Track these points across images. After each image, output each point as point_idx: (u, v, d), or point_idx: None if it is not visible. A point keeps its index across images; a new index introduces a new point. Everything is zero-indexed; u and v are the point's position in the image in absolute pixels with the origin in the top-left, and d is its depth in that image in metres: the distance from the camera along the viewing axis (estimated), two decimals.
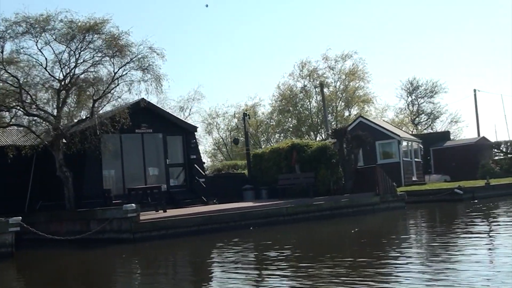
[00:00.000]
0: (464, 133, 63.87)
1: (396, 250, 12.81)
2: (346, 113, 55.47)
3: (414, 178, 35.53)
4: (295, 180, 25.58)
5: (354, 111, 55.61)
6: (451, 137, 57.62)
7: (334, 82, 55.16)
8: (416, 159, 36.69)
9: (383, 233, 17.89)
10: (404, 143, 35.00)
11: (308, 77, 54.27)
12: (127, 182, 23.91)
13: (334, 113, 54.68)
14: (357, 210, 23.51)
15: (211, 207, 22.49)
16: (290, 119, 53.63)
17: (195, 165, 25.68)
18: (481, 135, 48.41)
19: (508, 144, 40.79)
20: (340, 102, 54.64)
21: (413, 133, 56.51)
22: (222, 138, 62.33)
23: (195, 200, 24.94)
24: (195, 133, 27.01)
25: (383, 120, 45.59)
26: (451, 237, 14.80)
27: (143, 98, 24.07)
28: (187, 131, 26.21)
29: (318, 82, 52.91)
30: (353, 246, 14.50)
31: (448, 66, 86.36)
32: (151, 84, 22.11)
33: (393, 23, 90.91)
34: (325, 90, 54.58)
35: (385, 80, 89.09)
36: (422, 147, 40.14)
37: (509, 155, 40.77)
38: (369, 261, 11.01)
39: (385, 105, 61.01)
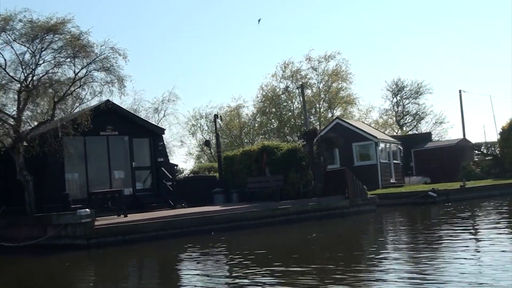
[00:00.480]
0: (450, 134, 63.57)
1: (356, 255, 12.39)
2: (330, 115, 55.02)
3: (392, 180, 35.16)
4: (264, 183, 25.13)
5: (338, 112, 55.20)
6: (436, 138, 57.54)
7: (318, 83, 54.81)
8: (395, 161, 36.32)
9: (345, 238, 17.43)
10: (382, 145, 34.61)
11: (291, 78, 53.83)
12: (91, 186, 23.40)
13: (317, 115, 54.25)
14: (325, 214, 23.05)
15: (177, 211, 22.00)
16: (272, 120, 53.12)
17: (162, 168, 25.16)
18: (462, 136, 48.07)
19: (489, 145, 40.39)
20: (323, 103, 54.19)
21: (398, 134, 56.27)
22: (206, 139, 61.76)
23: (162, 204, 24.43)
24: (163, 135, 26.42)
25: (363, 122, 45.20)
26: (412, 241, 14.38)
27: (108, 100, 23.56)
28: (155, 134, 25.71)
29: (300, 83, 52.45)
30: (312, 251, 14.05)
31: (433, 66, 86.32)
32: (113, 86, 21.53)
33: (376, 24, 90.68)
34: (308, 91, 54.25)
35: (370, 81, 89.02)
36: (401, 148, 39.76)
37: (489, 157, 40.34)
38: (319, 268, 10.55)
39: (369, 106, 60.49)
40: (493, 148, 39.69)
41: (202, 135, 62.47)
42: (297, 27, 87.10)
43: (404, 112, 62.11)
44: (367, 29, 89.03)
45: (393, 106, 62.13)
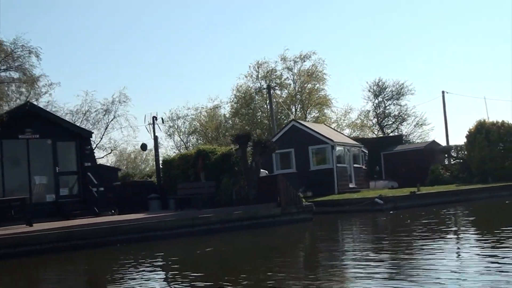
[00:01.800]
0: (432, 136, 62.23)
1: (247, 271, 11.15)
2: (305, 116, 53.63)
3: (352, 185, 33.77)
4: (195, 190, 23.80)
5: (314, 114, 53.84)
6: (419, 141, 56.10)
7: (293, 83, 53.42)
8: (355, 165, 34.93)
9: (255, 250, 16.09)
10: (340, 148, 33.21)
11: (265, 79, 52.46)
12: (7, 192, 22.12)
13: (292, 116, 52.91)
14: (254, 223, 21.67)
15: (96, 219, 20.82)
16: (243, 122, 51.77)
17: (89, 173, 23.87)
18: (432, 139, 46.69)
19: (458, 148, 38.91)
20: (298, 104, 52.81)
21: (373, 136, 54.85)
22: (183, 141, 60.60)
23: (87, 211, 23.17)
24: (91, 138, 25.15)
25: (326, 124, 43.76)
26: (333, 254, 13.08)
27: (28, 101, 22.32)
28: (81, 137, 24.39)
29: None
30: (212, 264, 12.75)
31: (415, 67, 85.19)
32: (23, 85, 20.27)
33: (356, 24, 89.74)
34: (283, 92, 52.95)
35: (351, 82, 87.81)
36: (366, 152, 38.39)
37: (458, 160, 38.89)
38: None
39: (348, 107, 59.00)
40: (462, 152, 38.19)
41: (180, 137, 61.45)
42: (274, 27, 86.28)
43: (386, 114, 60.55)
44: (346, 29, 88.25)
45: (375, 107, 60.62)
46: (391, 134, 54.41)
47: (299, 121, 35.50)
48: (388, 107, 60.56)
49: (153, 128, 27.73)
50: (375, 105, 60.45)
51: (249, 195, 23.26)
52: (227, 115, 54.85)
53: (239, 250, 16.56)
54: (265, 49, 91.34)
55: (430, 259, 11.45)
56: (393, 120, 60.61)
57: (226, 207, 22.72)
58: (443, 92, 56.27)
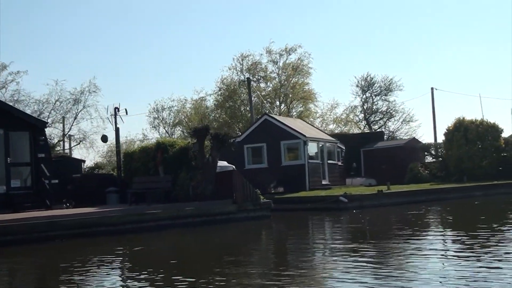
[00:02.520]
0: (419, 133, 61.57)
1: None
2: (288, 110, 52.87)
3: (325, 182, 33.00)
4: (151, 184, 23.08)
5: (299, 108, 53.11)
6: (406, 137, 55.21)
7: (278, 76, 52.64)
8: (330, 161, 34.15)
9: (190, 250, 15.36)
10: (313, 144, 32.42)
11: (249, 71, 51.68)
12: None
13: (277, 110, 52.15)
14: (207, 219, 20.93)
15: (46, 213, 20.18)
16: (224, 115, 51.06)
17: (42, 165, 23.14)
18: (412, 137, 45.90)
19: (438, 146, 38.09)
20: (282, 98, 52.03)
21: (365, 131, 54.08)
22: (167, 132, 59.93)
23: (38, 204, 22.46)
24: (45, 129, 24.40)
25: (303, 119, 42.98)
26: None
27: None
28: (35, 127, 23.63)
29: (258, 77, 50.51)
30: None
31: (404, 63, 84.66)
32: None
33: (344, 17, 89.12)
34: (268, 85, 52.23)
35: (340, 77, 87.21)
36: (343, 148, 37.66)
37: (438, 158, 38.09)
38: None
39: (334, 102, 58.22)
40: (441, 150, 37.38)
41: (164, 128, 60.80)
42: (261, 19, 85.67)
43: (373, 110, 59.65)
44: (334, 23, 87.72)
45: (362, 102, 59.71)
46: (377, 131, 53.38)
47: (271, 115, 34.69)
48: (376, 103, 59.70)
49: (115, 119, 26.94)
50: (363, 100, 59.58)
51: (206, 191, 22.55)
52: (211, 108, 54.10)
53: (172, 249, 15.85)
54: (251, 41, 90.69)
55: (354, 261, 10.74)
56: (380, 116, 59.69)
57: (181, 203, 22.03)
58: (432, 88, 55.57)
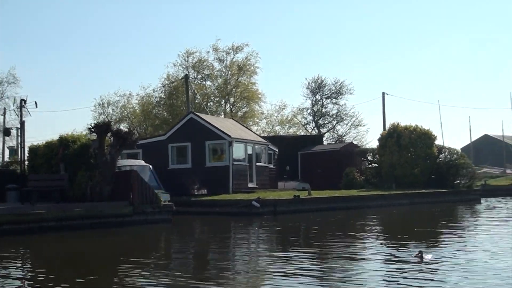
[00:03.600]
0: (368, 138, 61.00)
1: None
2: (237, 110, 51.78)
3: (251, 185, 31.86)
4: (45, 182, 21.67)
5: (244, 108, 52.03)
6: (356, 142, 54.43)
7: (224, 75, 51.46)
8: (259, 164, 33.05)
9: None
10: (239, 145, 31.27)
11: (193, 68, 50.45)
12: None
13: (221, 110, 51.01)
14: (99, 222, 19.70)
15: None
16: (164, 113, 49.75)
17: None
18: (350, 141, 45.10)
19: (375, 152, 37.18)
20: (226, 97, 50.89)
21: (312, 133, 53.15)
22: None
23: None
24: None
25: (235, 119, 41.81)
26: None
27: None
28: None
29: (203, 74, 49.32)
30: None
31: (355, 67, 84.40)
32: None
33: (296, 19, 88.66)
34: (214, 83, 51.08)
35: (289, 79, 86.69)
36: (276, 150, 36.62)
37: (374, 164, 37.23)
38: None
39: (281, 103, 57.25)
40: (377, 156, 36.49)
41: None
42: (208, 15, 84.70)
43: (323, 112, 58.75)
44: (285, 25, 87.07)
45: (312, 105, 58.78)
46: (316, 134, 52.44)
47: (197, 113, 33.42)
48: (326, 106, 58.86)
49: (21, 112, 25.46)
50: (313, 102, 58.68)
51: (103, 191, 21.26)
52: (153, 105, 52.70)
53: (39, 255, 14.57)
54: (199, 38, 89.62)
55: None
56: (330, 119, 58.86)
57: (73, 203, 20.70)
58: (383, 93, 54.95)
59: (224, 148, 30.69)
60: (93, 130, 21.66)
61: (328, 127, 58.67)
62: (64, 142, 23.05)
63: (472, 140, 71.10)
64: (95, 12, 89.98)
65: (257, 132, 50.50)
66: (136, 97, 55.57)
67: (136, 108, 54.77)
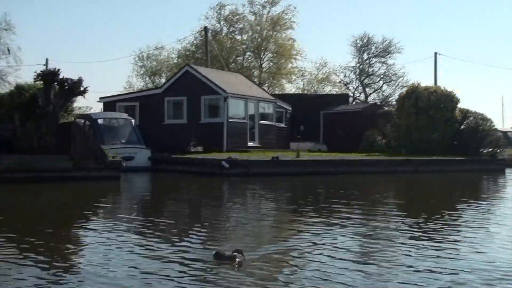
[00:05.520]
0: None
1: None
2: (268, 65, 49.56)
3: (252, 144, 29.87)
4: None
5: (277, 63, 49.65)
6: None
7: (259, 29, 49.11)
8: (263, 122, 30.95)
9: None
10: (237, 101, 29.25)
11: (225, 21, 48.43)
12: None
13: (254, 65, 48.93)
14: (33, 176, 18.32)
15: None
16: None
17: None
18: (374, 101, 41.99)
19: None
20: (261, 52, 48.67)
21: (355, 94, 50.38)
22: (153, 82, 57.43)
23: None
24: None
25: (244, 76, 39.29)
26: None
27: None
28: None
29: (235, 28, 47.23)
30: None
31: (405, 25, 79.44)
32: None
33: None
34: (245, 36, 49.00)
35: (334, 36, 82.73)
36: (289, 109, 34.40)
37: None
38: None
39: (322, 60, 54.40)
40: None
41: (149, 78, 58.23)
42: None
43: (369, 72, 55.51)
44: None
45: (359, 64, 55.61)
46: (341, 93, 49.54)
47: (193, 66, 31.46)
48: (373, 65, 55.59)
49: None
50: (359, 61, 55.52)
51: (48, 143, 19.78)
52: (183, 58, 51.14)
53: None
54: None
55: None
56: (376, 79, 55.63)
57: (17, 155, 19.36)
58: (435, 53, 51.51)
59: (220, 104, 28.73)
60: (39, 78, 20.06)
61: (374, 87, 55.54)
62: (20, 90, 21.69)
63: None
64: None
65: (292, 91, 48.43)
66: (173, 50, 54.46)
67: (175, 61, 53.55)
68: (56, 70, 19.97)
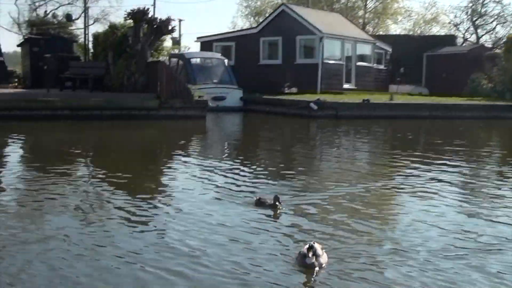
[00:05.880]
0: None
1: None
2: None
3: (348, 86, 29.27)
4: (84, 70, 21.01)
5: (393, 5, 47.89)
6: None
7: None
8: (361, 63, 30.14)
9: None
10: (334, 41, 28.57)
11: None
12: None
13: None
14: (120, 114, 18.68)
15: None
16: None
17: None
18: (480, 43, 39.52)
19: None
20: None
21: (466, 36, 47.95)
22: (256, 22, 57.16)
23: None
24: None
25: (334, 11, 38.08)
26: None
27: None
28: None
29: None
30: None
31: None
32: None
33: None
34: None
35: None
36: (389, 50, 33.18)
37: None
38: None
39: (431, 0, 51.99)
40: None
41: (254, 18, 57.85)
42: None
43: (482, 12, 52.43)
44: None
45: (470, 4, 52.60)
46: (448, 34, 46.98)
47: (289, 5, 30.77)
48: (486, 5, 52.40)
49: None
50: (471, 1, 52.49)
51: (137, 82, 20.15)
52: None
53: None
54: None
55: None
56: (490, 20, 52.51)
57: (112, 93, 19.92)
58: None
59: (315, 45, 28.13)
60: (129, 17, 20.29)
61: (487, 28, 52.51)
62: (114, 29, 22.13)
63: None
64: None
65: (397, 32, 46.75)
66: None
67: (278, 0, 52.85)
68: (146, 9, 20.11)
